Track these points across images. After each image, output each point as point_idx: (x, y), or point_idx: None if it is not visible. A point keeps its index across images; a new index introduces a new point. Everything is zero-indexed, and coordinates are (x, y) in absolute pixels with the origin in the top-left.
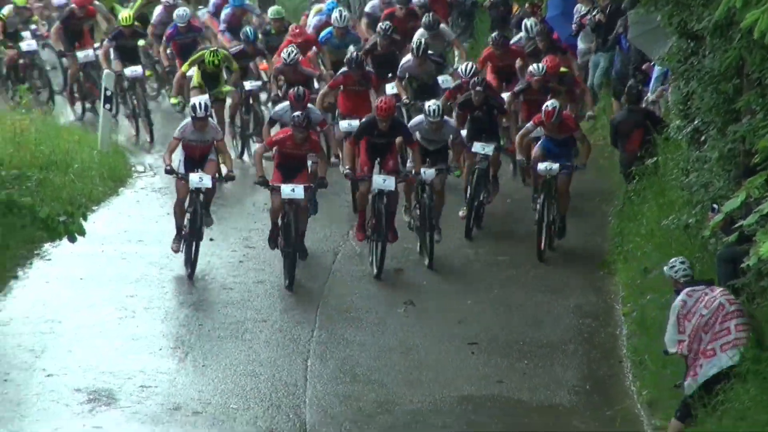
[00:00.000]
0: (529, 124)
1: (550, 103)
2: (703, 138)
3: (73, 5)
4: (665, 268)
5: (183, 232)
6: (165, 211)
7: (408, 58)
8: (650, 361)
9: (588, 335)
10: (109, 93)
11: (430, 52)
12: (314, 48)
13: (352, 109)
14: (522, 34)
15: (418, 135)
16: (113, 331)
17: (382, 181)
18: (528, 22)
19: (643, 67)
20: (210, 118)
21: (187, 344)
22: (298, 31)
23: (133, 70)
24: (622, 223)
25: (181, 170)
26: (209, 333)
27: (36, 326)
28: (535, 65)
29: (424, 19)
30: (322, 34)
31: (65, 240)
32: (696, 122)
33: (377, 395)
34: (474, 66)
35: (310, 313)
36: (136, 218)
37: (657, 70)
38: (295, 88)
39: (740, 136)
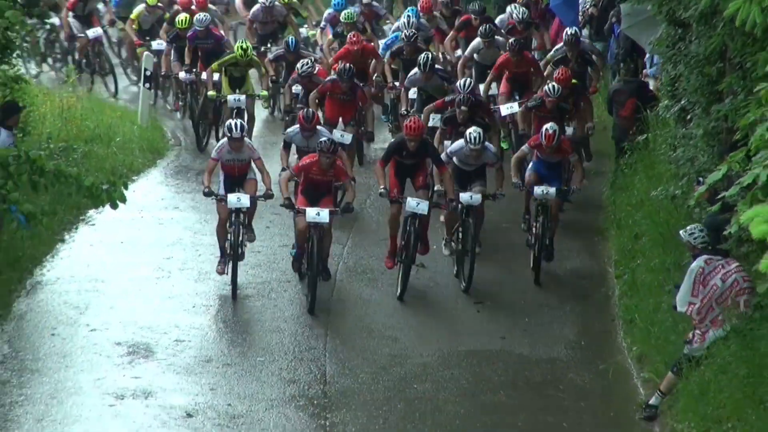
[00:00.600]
0: (524, 147)
1: (549, 126)
2: (689, 116)
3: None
4: (683, 233)
5: (227, 253)
6: (199, 182)
7: (415, 71)
8: (640, 320)
9: (583, 296)
10: (148, 73)
11: (437, 66)
12: (374, 59)
13: (335, 117)
14: (503, 16)
15: (455, 160)
16: (151, 290)
17: (416, 205)
18: (515, 9)
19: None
20: (246, 138)
21: (218, 302)
22: (355, 39)
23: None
24: (615, 194)
25: (221, 191)
26: (238, 292)
27: (80, 285)
28: (550, 86)
29: (481, 29)
30: (388, 38)
31: (108, 207)
32: (683, 102)
33: (391, 349)
34: (471, 82)
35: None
36: (172, 187)
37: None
38: (305, 110)
39: (723, 115)
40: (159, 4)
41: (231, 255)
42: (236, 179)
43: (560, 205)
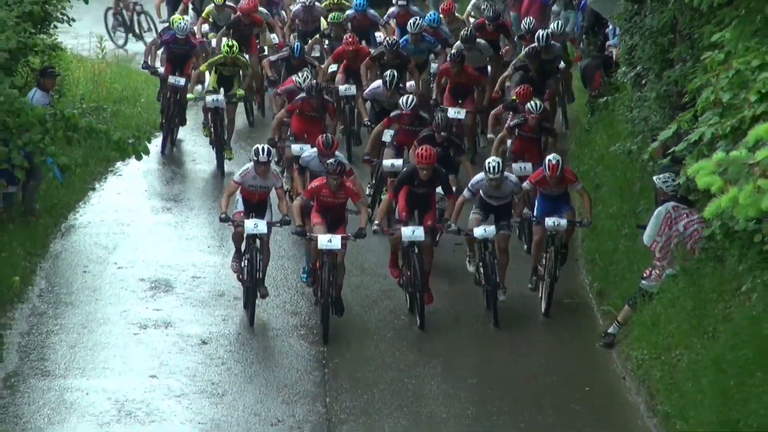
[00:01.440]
0: (525, 184)
1: (552, 157)
2: (643, 81)
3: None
4: (656, 179)
5: (241, 279)
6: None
7: (378, 83)
8: (600, 260)
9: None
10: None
11: (401, 85)
12: (367, 60)
13: (304, 134)
14: (469, 8)
15: (482, 193)
16: (170, 232)
17: (411, 233)
18: (486, 5)
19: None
20: (272, 164)
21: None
22: (351, 39)
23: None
24: (579, 149)
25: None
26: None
27: (109, 228)
28: (533, 103)
29: (462, 33)
30: (400, 41)
31: (133, 158)
32: (638, 69)
33: (381, 285)
34: (414, 100)
35: None
36: (190, 142)
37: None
38: (324, 136)
39: (673, 80)
40: (228, 3)
41: (247, 282)
42: (255, 206)
43: (571, 234)
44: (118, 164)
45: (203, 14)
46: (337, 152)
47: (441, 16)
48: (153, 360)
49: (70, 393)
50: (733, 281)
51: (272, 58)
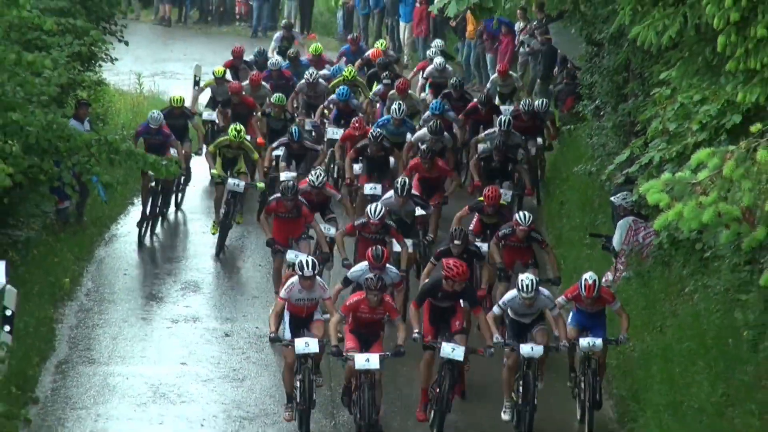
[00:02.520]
0: (560, 299)
1: (589, 276)
2: (602, 113)
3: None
4: (615, 198)
5: (294, 401)
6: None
7: (390, 194)
8: (565, 266)
9: None
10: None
11: (413, 192)
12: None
13: (283, 237)
14: (431, 67)
15: (510, 312)
16: (198, 241)
17: (451, 350)
18: (437, 59)
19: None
20: (318, 277)
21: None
22: (358, 124)
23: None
24: (550, 171)
25: (287, 334)
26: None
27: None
28: (521, 213)
29: (432, 123)
30: (379, 120)
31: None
32: (597, 102)
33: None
34: (383, 210)
35: None
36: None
37: None
38: (374, 248)
39: (627, 112)
40: (228, 78)
41: (301, 404)
42: (303, 320)
43: (606, 353)
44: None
45: (202, 85)
46: (389, 265)
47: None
48: (183, 350)
49: (112, 378)
50: (678, 283)
51: (274, 145)
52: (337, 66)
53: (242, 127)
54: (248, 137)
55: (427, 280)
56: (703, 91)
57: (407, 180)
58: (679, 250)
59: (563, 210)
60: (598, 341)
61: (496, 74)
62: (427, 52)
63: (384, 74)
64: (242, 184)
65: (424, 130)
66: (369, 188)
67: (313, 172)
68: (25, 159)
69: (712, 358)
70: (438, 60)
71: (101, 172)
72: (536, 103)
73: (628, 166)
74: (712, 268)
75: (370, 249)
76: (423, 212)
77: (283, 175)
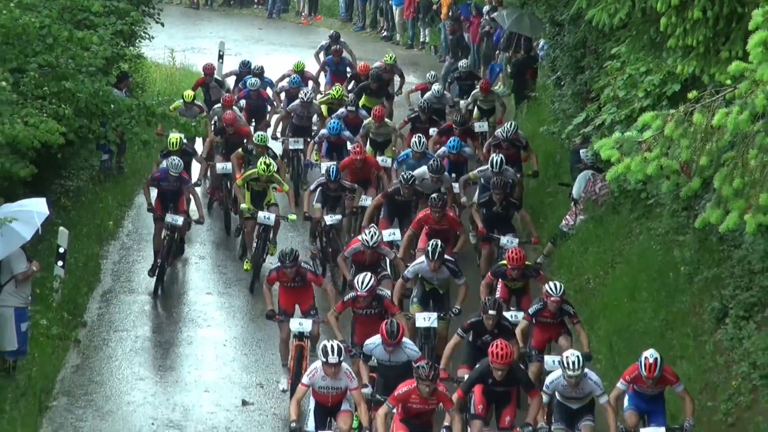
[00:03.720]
0: (620, 384)
1: (649, 354)
2: (562, 83)
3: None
4: (582, 152)
5: None
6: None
7: (420, 259)
8: (532, 209)
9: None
10: (221, 51)
11: (447, 257)
12: (376, 171)
13: (290, 305)
14: (429, 94)
15: (558, 396)
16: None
17: None
18: (436, 86)
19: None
20: (344, 363)
21: None
22: (358, 149)
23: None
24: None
25: (310, 425)
26: None
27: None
28: (551, 284)
29: (432, 162)
30: (401, 155)
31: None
32: (558, 73)
33: None
34: (371, 280)
35: None
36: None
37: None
38: (388, 323)
39: (584, 82)
40: (197, 102)
41: None
42: (329, 409)
43: None
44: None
45: (171, 107)
46: (405, 339)
47: (373, 121)
48: (208, 282)
49: (149, 305)
50: (627, 226)
51: (311, 187)
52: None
53: (272, 160)
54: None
55: (475, 368)
56: (648, 64)
57: (436, 242)
58: (627, 198)
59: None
60: (661, 430)
61: (478, 89)
62: (427, 75)
63: (371, 85)
64: (273, 216)
65: (423, 168)
66: (388, 234)
67: (366, 231)
68: (76, 120)
69: (654, 289)
70: (436, 87)
71: (140, 132)
72: (506, 125)
73: (585, 127)
74: (654, 213)
75: (384, 324)
76: (459, 282)
77: (328, 219)
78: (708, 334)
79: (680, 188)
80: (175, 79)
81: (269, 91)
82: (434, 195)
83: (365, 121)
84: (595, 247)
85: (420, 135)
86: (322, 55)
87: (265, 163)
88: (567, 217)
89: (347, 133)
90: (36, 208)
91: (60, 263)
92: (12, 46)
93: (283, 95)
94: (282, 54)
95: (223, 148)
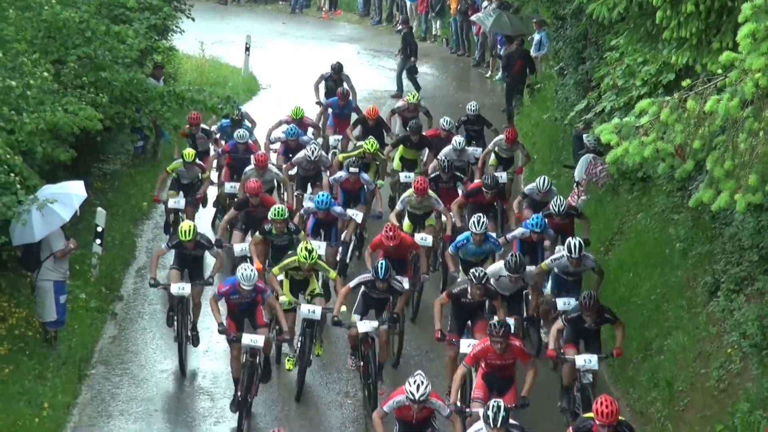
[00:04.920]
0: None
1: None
2: (565, 72)
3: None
4: (585, 136)
5: None
6: (284, 110)
7: (479, 426)
8: None
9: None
10: (248, 44)
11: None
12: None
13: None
14: (449, 148)
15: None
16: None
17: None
18: (457, 138)
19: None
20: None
21: None
22: (392, 231)
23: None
24: (521, 119)
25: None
26: None
27: None
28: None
29: (510, 259)
30: (457, 242)
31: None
32: (561, 64)
33: None
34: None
35: None
36: (263, 109)
37: (536, 37)
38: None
39: (585, 72)
40: (198, 161)
41: None
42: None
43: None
44: (213, 127)
45: (168, 169)
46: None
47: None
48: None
49: None
50: (625, 206)
51: (352, 284)
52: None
53: (314, 246)
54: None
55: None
56: (644, 55)
57: (498, 405)
58: (626, 180)
59: (535, 148)
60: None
61: (502, 138)
62: (441, 121)
63: (411, 137)
64: (318, 309)
65: (499, 265)
66: (466, 345)
67: (411, 381)
68: (112, 107)
69: (650, 264)
70: (457, 140)
71: (171, 117)
72: (556, 200)
73: (586, 114)
74: (651, 193)
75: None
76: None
77: (363, 326)
78: (701, 306)
79: (675, 170)
80: (204, 69)
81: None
82: (495, 321)
83: (404, 195)
84: (595, 225)
85: (480, 215)
86: (322, 86)
87: (306, 249)
88: (571, 197)
89: (338, 208)
90: (75, 190)
91: (98, 241)
92: (53, 40)
93: (277, 145)
94: (304, 46)
95: (243, 223)
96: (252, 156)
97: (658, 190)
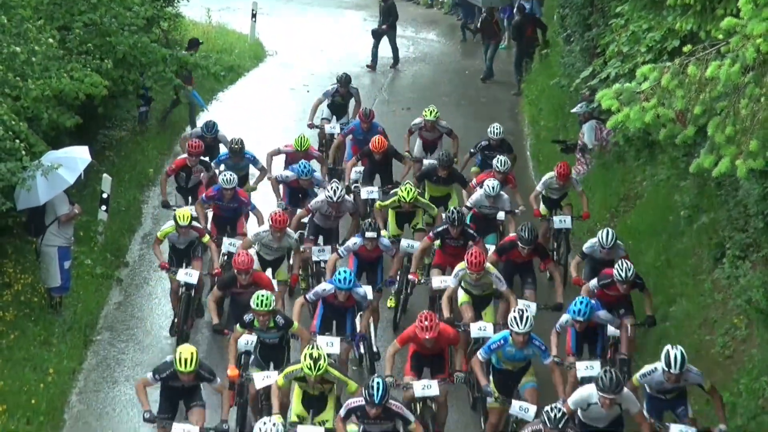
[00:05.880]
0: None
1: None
2: (571, 39)
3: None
4: (579, 106)
5: None
6: (290, 76)
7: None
8: (542, 157)
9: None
10: (254, 11)
11: None
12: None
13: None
14: (479, 193)
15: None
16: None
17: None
18: (490, 182)
19: None
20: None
21: None
22: (429, 321)
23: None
24: (528, 86)
25: None
26: None
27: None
28: (621, 264)
29: (602, 375)
30: (497, 339)
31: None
32: (568, 31)
33: None
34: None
35: None
36: (269, 80)
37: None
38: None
39: (591, 39)
40: (195, 224)
41: None
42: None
43: None
44: (219, 95)
45: (159, 235)
46: None
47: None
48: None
49: None
50: (631, 173)
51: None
52: (352, 122)
53: (321, 352)
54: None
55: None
56: (649, 21)
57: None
58: (632, 147)
59: (541, 114)
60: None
61: (553, 176)
62: (495, 162)
63: (438, 172)
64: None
65: (588, 390)
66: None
67: None
68: (115, 72)
69: (656, 231)
70: (491, 183)
71: (173, 79)
72: (623, 264)
73: (591, 80)
74: (657, 160)
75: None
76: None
77: None
78: (706, 273)
79: (676, 136)
80: (211, 36)
81: (252, 169)
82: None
83: (457, 268)
84: (601, 193)
85: (523, 308)
86: (325, 105)
87: (310, 357)
88: (577, 166)
89: (361, 290)
90: (79, 154)
91: (103, 208)
92: (59, 6)
93: (281, 189)
94: (311, 12)
95: (236, 311)
96: (241, 207)
97: (664, 157)
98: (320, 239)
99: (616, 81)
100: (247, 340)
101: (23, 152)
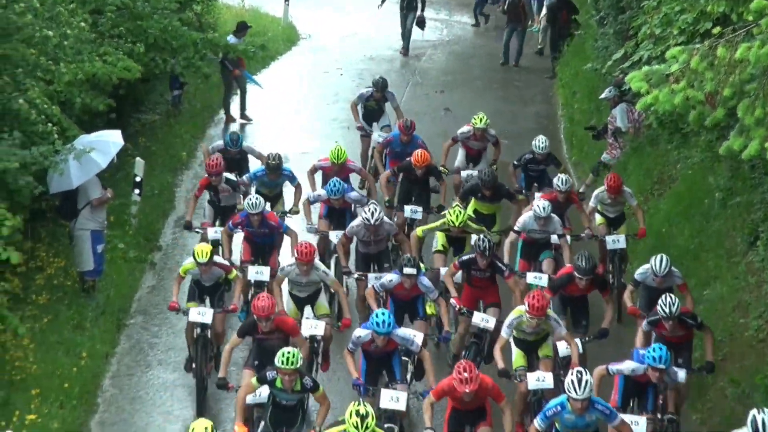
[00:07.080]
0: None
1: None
2: (605, 22)
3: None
4: (607, 90)
5: None
6: (323, 59)
7: None
8: (575, 141)
9: (541, 127)
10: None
11: None
12: None
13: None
14: (527, 215)
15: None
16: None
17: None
18: (540, 203)
19: None
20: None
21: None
22: (468, 375)
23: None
24: (561, 69)
25: None
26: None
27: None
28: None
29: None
30: (549, 405)
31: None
32: (601, 13)
33: None
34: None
35: None
36: (302, 65)
37: None
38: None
39: (624, 21)
40: (218, 259)
41: None
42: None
43: None
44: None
45: (180, 272)
46: None
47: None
48: None
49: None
50: (665, 156)
51: None
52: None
53: (368, 408)
54: None
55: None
56: (682, 3)
57: None
58: (665, 130)
59: (575, 98)
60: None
61: (603, 190)
62: (555, 181)
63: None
64: None
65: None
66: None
67: None
68: (146, 55)
69: (690, 214)
70: (542, 204)
71: (203, 66)
72: (666, 299)
73: (623, 63)
74: (690, 143)
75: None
76: None
77: None
78: (740, 256)
79: (706, 117)
80: (244, 18)
81: (288, 187)
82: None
83: (511, 317)
84: (635, 176)
85: (581, 370)
86: (360, 108)
87: (357, 413)
88: (611, 150)
89: (402, 331)
90: (111, 138)
91: (137, 191)
92: None
93: (316, 208)
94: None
95: (255, 358)
96: (279, 234)
97: (697, 139)
98: (372, 268)
99: (648, 63)
100: (259, 392)
101: (56, 136)
